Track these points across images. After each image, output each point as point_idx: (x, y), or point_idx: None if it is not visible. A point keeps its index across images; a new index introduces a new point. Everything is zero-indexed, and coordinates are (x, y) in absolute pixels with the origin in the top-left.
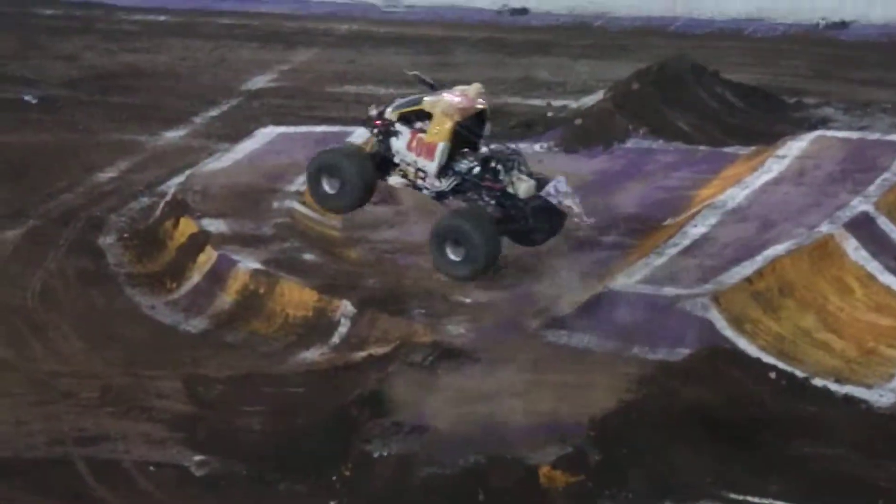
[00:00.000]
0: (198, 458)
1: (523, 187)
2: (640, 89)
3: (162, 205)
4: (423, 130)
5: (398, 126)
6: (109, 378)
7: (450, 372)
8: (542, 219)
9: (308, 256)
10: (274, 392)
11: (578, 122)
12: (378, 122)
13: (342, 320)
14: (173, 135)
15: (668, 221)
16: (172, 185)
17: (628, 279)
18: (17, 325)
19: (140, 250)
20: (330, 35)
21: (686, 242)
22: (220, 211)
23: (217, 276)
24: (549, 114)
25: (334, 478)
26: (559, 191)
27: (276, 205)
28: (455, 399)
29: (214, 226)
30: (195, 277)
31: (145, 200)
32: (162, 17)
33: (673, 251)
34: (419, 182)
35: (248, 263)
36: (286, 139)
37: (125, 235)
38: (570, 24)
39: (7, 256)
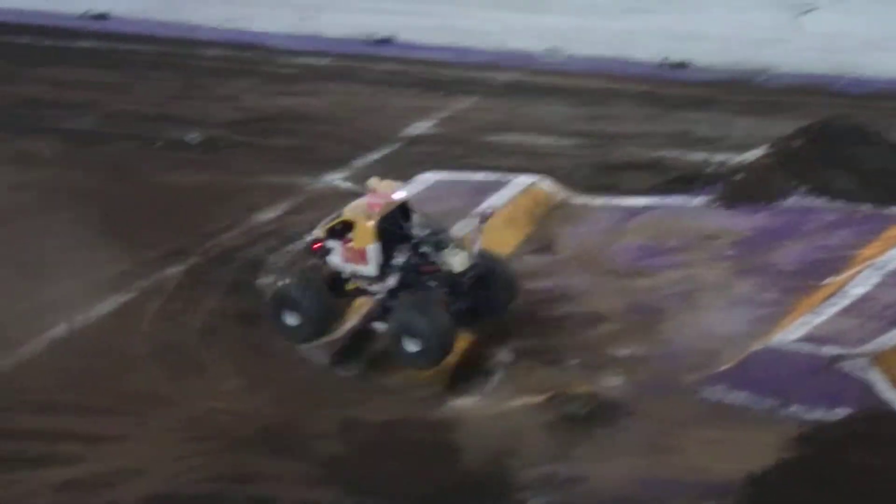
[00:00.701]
0: (352, 500)
1: (456, 261)
2: (802, 146)
3: None
4: (351, 240)
5: (329, 242)
6: (266, 417)
7: (605, 424)
8: (491, 285)
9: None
10: (428, 438)
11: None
12: (315, 247)
13: (497, 369)
14: (333, 178)
15: (828, 280)
16: None
17: (787, 337)
18: (178, 361)
19: None
20: (489, 84)
21: (846, 302)
22: None
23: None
24: (709, 169)
25: None
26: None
27: None
28: (610, 451)
29: None
30: (352, 320)
31: (304, 243)
32: (323, 61)
33: (833, 310)
34: (369, 288)
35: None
36: (444, 185)
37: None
38: (731, 79)
39: (169, 294)
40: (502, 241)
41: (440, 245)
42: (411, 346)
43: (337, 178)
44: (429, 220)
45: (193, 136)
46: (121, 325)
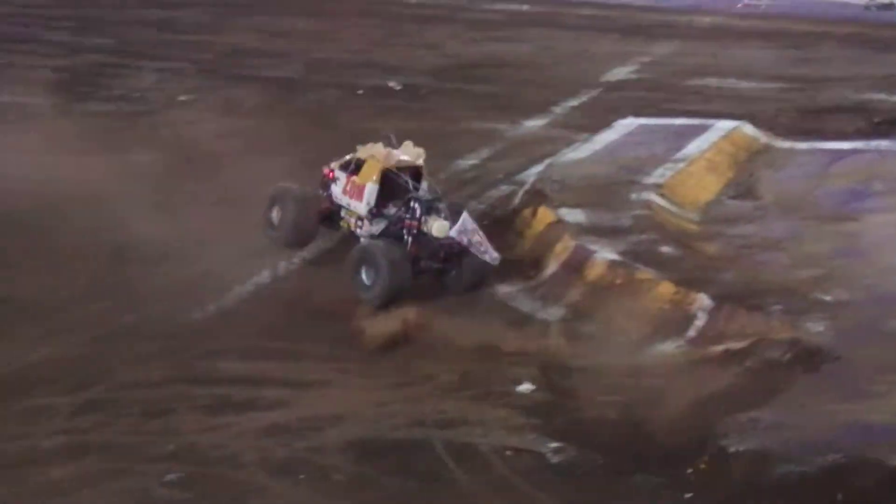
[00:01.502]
0: (553, 445)
1: (436, 226)
2: None
3: (521, 193)
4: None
5: (337, 172)
6: (469, 363)
7: (808, 370)
8: (461, 263)
9: (665, 249)
10: (629, 383)
11: None
12: (326, 173)
13: (699, 314)
14: (533, 124)
15: None
16: (531, 175)
17: None
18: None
19: (499, 238)
20: (691, 28)
21: None
22: (577, 201)
23: (574, 266)
24: None
25: (689, 471)
26: (466, 228)
27: (633, 196)
28: (813, 398)
29: (572, 216)
30: (552, 266)
31: (504, 188)
32: (525, 7)
33: None
34: (356, 231)
35: (604, 254)
36: (645, 131)
37: (484, 222)
38: None
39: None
40: (704, 186)
41: (430, 209)
42: (365, 277)
43: (538, 124)
44: (434, 188)
45: (396, 83)
46: (321, 272)
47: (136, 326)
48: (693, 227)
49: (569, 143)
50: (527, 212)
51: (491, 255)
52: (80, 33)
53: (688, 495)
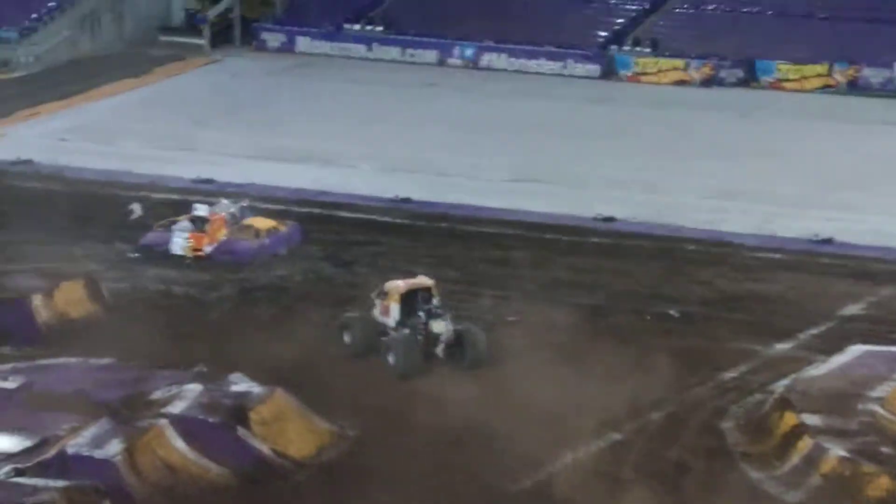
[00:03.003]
0: None
1: (435, 326)
2: None
3: (771, 400)
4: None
5: (375, 302)
6: None
7: None
8: (457, 346)
9: (885, 449)
10: None
11: None
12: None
13: None
14: (782, 346)
15: None
16: (780, 386)
17: None
18: (660, 487)
19: (752, 435)
20: None
21: None
22: (816, 408)
23: (812, 460)
24: None
25: None
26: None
27: (860, 406)
28: None
29: (811, 419)
30: (794, 459)
31: (758, 396)
32: (777, 255)
33: None
34: (391, 335)
35: (836, 451)
36: (872, 356)
37: (741, 422)
38: None
39: (650, 433)
40: None
41: (433, 316)
42: (391, 359)
43: (786, 347)
44: (443, 302)
45: (675, 311)
46: (613, 458)
47: None
48: None
49: (810, 362)
50: (775, 415)
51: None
52: (435, 267)
53: None
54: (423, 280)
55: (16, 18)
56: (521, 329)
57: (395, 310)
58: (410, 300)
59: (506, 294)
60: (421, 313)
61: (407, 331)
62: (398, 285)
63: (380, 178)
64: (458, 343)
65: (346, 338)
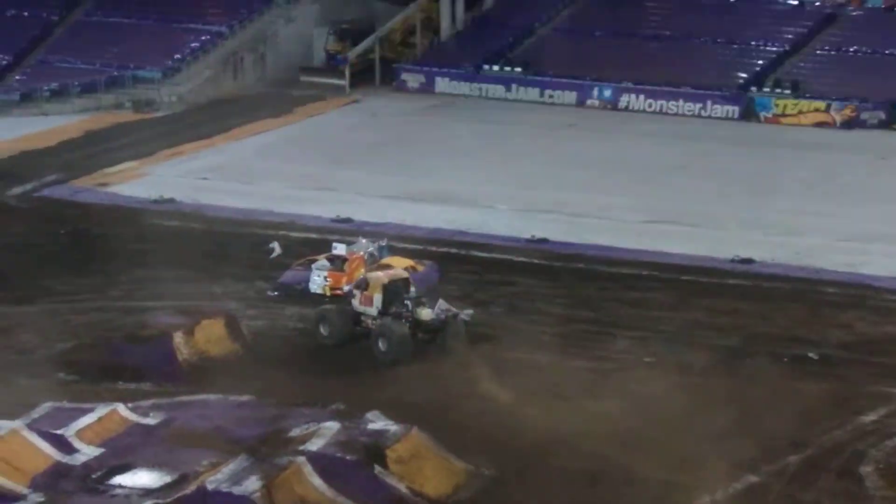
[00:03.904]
0: None
1: (423, 313)
2: None
3: None
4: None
5: (354, 292)
6: None
7: None
8: (441, 331)
9: None
10: None
11: None
12: (343, 293)
13: None
14: None
15: None
16: None
17: None
18: None
19: (892, 479)
20: None
21: None
22: None
23: None
24: None
25: None
26: (442, 309)
27: None
28: None
29: None
30: None
31: None
32: None
33: None
34: (371, 324)
35: None
36: None
37: (881, 466)
38: None
39: (789, 476)
40: None
41: (418, 304)
42: (382, 346)
43: None
44: (421, 293)
45: (813, 354)
46: (750, 501)
47: None
48: None
49: None
50: None
51: (465, 313)
52: (570, 307)
53: None
54: (401, 272)
55: (159, 59)
56: (658, 371)
57: (377, 300)
58: (391, 291)
59: (642, 335)
60: (408, 302)
61: (390, 319)
62: (380, 276)
63: (516, 219)
64: (440, 330)
65: (323, 329)
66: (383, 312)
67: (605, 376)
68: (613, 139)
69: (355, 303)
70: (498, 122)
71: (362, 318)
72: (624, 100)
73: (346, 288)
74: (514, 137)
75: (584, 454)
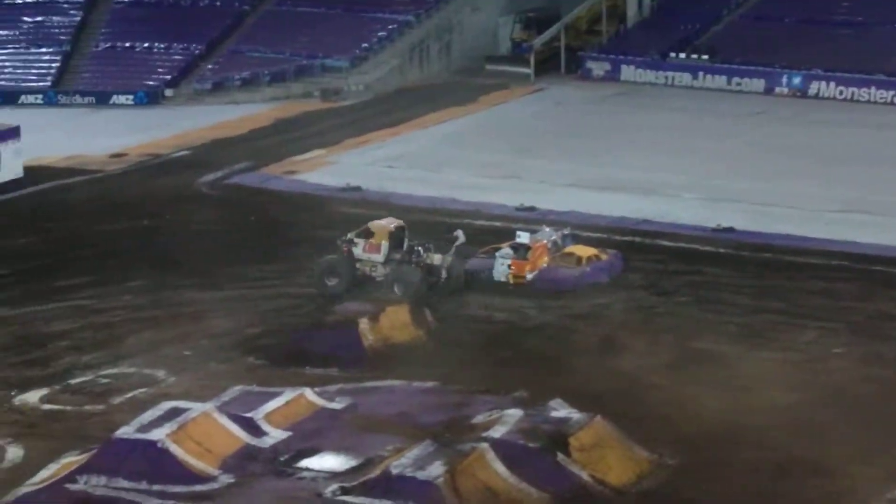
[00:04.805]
0: None
1: (436, 258)
2: None
3: None
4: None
5: (357, 241)
6: None
7: None
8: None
9: None
10: None
11: None
12: (345, 249)
13: None
14: None
15: None
16: None
17: None
18: None
19: None
20: None
21: None
22: None
23: None
24: None
25: None
26: (459, 237)
27: None
28: None
29: None
30: None
31: None
32: None
33: None
34: (373, 273)
35: None
36: None
37: None
38: None
39: None
40: None
41: (428, 249)
42: (397, 290)
43: None
44: (415, 241)
45: None
46: None
47: None
48: None
49: None
50: None
51: (460, 238)
52: (757, 298)
53: None
54: (398, 220)
55: (347, 48)
56: (847, 361)
57: (384, 247)
58: (396, 238)
59: (831, 326)
60: (419, 248)
61: (405, 265)
62: (384, 224)
63: (702, 207)
64: (448, 274)
65: (330, 281)
66: (389, 259)
67: (793, 367)
68: (802, 127)
69: (358, 251)
70: (684, 111)
71: (359, 265)
72: (814, 87)
73: (528, 276)
74: (700, 126)
75: (770, 446)
